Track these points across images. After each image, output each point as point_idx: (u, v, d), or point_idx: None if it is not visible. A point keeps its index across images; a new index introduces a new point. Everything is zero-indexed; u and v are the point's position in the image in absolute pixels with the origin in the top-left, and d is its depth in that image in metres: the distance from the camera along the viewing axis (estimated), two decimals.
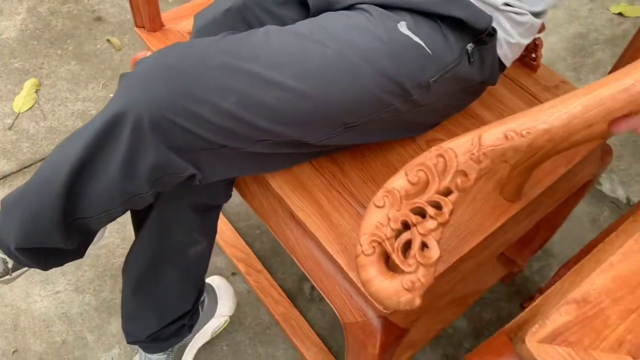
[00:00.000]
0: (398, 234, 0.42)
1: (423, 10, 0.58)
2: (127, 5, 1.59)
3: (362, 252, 0.42)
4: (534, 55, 0.84)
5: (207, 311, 0.98)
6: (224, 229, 1.17)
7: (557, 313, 0.40)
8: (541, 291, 1.12)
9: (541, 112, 0.41)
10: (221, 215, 1.14)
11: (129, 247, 1.14)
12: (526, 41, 0.67)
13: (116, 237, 1.18)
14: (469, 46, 0.61)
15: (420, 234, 0.41)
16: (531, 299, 1.13)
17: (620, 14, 1.53)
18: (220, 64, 0.51)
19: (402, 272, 0.41)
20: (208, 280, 1.01)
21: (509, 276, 1.17)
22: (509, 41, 0.64)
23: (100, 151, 0.53)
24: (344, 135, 0.61)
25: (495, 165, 0.41)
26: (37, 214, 0.61)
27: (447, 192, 0.42)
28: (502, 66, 0.69)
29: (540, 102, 0.82)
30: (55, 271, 1.12)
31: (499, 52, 0.65)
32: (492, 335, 0.47)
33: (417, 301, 0.41)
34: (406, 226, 0.42)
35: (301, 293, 1.13)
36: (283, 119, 0.54)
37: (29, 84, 1.39)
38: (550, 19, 1.63)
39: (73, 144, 0.55)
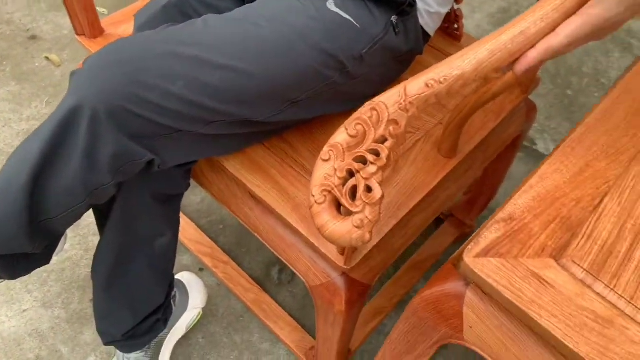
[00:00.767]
0: (344, 182, 0.47)
1: None
2: (62, 21, 1.59)
3: (315, 201, 0.46)
4: (456, 26, 0.92)
5: (180, 305, 1.00)
6: (187, 228, 1.19)
7: (488, 231, 0.46)
8: (451, 215, 1.21)
9: (454, 60, 0.47)
10: (183, 215, 1.17)
11: (92, 259, 1.15)
12: (444, 10, 0.73)
13: (79, 249, 1.18)
14: (393, 18, 0.67)
15: (363, 178, 0.46)
16: None
17: None
18: (165, 52, 0.55)
19: (352, 213, 0.46)
20: (177, 276, 1.04)
21: (460, 237, 1.24)
22: (429, 10, 0.71)
23: (60, 147, 0.55)
24: (291, 111, 0.66)
25: (420, 112, 0.47)
26: (2, 220, 0.62)
27: (382, 140, 0.47)
28: (426, 36, 0.75)
29: None
30: (20, 289, 1.12)
31: (421, 21, 0.71)
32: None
33: (367, 236, 0.46)
34: (351, 174, 0.47)
35: (269, 279, 1.17)
36: (230, 98, 0.59)
37: None
38: None
39: (30, 145, 0.57)
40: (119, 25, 0.90)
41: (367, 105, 0.47)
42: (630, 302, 0.42)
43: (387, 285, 1.10)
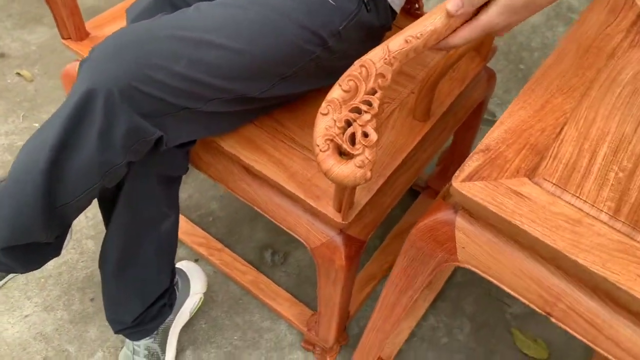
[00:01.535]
0: (343, 131, 0.54)
1: None
2: (28, 38, 1.61)
3: (320, 150, 0.53)
4: (417, 6, 1.00)
5: (182, 292, 1.05)
6: (179, 222, 1.23)
7: (470, 161, 0.54)
8: (425, 188, 1.30)
9: (427, 18, 0.54)
10: None
11: (88, 261, 1.18)
12: None
13: (74, 252, 1.21)
14: None
15: (360, 125, 0.53)
16: None
17: None
18: (166, 35, 0.61)
19: (353, 156, 0.53)
20: (177, 265, 1.08)
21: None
22: None
23: (76, 130, 0.60)
24: (281, 86, 0.72)
25: (402, 65, 0.54)
26: (20, 209, 0.66)
27: (373, 92, 0.54)
28: (393, 13, 0.83)
29: None
30: (19, 297, 1.14)
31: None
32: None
33: (369, 174, 0.53)
34: (348, 124, 0.54)
35: (263, 262, 1.23)
36: (226, 75, 0.65)
37: None
38: None
39: (47, 131, 0.62)
40: (103, 27, 0.94)
41: (357, 63, 0.54)
42: (593, 205, 0.51)
43: (375, 254, 1.17)
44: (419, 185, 1.30)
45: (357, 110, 0.54)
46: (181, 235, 1.21)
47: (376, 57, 0.54)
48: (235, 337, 1.11)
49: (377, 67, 0.54)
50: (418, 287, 0.65)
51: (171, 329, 1.03)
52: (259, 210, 0.83)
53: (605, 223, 0.49)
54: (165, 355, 1.02)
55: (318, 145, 0.53)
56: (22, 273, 0.78)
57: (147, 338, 0.98)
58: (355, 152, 0.52)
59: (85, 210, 0.76)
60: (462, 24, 0.54)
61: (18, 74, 1.54)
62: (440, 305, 1.18)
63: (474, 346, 1.13)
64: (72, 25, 0.88)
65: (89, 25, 0.93)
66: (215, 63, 0.63)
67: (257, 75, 0.68)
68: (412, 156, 0.83)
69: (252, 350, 1.10)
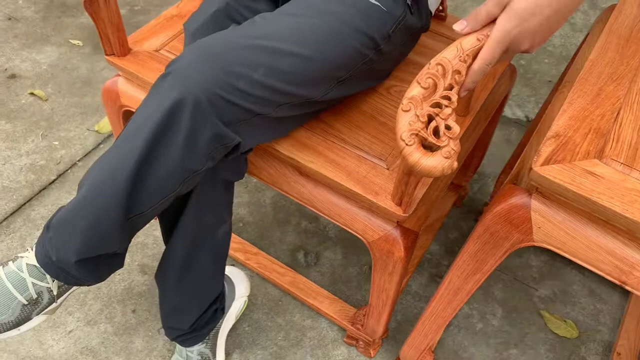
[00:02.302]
0: (426, 125, 0.58)
1: None
2: (38, 57, 1.62)
3: (406, 144, 0.57)
4: (441, 8, 1.05)
5: (228, 296, 1.07)
6: None
7: (544, 146, 0.58)
8: (487, 204, 1.34)
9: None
10: None
11: (125, 273, 1.20)
12: None
13: None
14: (408, 0, 0.79)
15: (442, 119, 0.57)
16: (481, 212, 1.35)
17: None
18: (244, 45, 0.64)
19: (439, 148, 0.57)
20: None
21: (458, 200, 1.38)
22: None
23: (164, 138, 0.63)
24: (337, 89, 0.76)
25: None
26: (99, 220, 0.68)
27: (450, 88, 0.58)
28: (429, 14, 0.88)
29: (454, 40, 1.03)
30: (60, 313, 1.14)
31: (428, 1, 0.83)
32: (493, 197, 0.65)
33: (455, 164, 0.57)
34: (430, 118, 0.58)
35: (297, 264, 1.26)
36: (297, 81, 0.68)
37: None
38: None
39: (131, 142, 0.64)
40: (142, 42, 0.96)
41: (433, 61, 0.58)
42: None
43: None
44: None
45: (438, 105, 0.58)
46: None
47: (450, 55, 0.58)
48: (279, 338, 1.14)
49: (453, 64, 0.58)
50: (487, 270, 0.69)
51: (220, 333, 1.05)
52: (314, 210, 0.86)
53: None
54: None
55: (403, 140, 0.57)
56: (89, 285, 0.79)
57: (200, 343, 1.00)
58: (442, 144, 0.56)
59: None
60: None
61: (32, 93, 1.54)
62: None
63: (508, 329, 1.18)
64: (116, 41, 0.91)
65: (129, 40, 0.96)
66: (288, 70, 0.66)
67: (320, 79, 0.72)
68: None
69: (296, 349, 1.13)
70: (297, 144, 0.83)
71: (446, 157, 0.56)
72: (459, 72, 0.58)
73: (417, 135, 0.57)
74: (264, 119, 0.70)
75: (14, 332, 0.78)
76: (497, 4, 0.57)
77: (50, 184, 1.35)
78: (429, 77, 0.58)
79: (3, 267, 0.76)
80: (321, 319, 1.17)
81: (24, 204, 1.30)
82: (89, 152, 1.42)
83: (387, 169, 0.81)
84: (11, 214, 1.28)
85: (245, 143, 0.70)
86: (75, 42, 1.70)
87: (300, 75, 0.68)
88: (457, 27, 0.59)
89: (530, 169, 0.56)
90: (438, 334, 0.87)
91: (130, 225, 0.72)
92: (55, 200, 1.32)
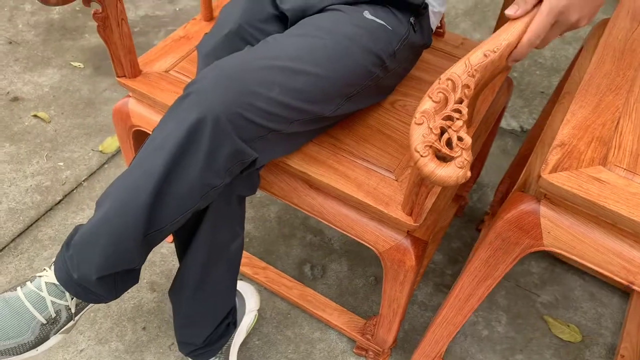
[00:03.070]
0: (439, 137, 0.60)
1: None
2: (39, 80, 1.64)
3: (421, 155, 0.60)
4: (439, 25, 1.09)
5: (239, 310, 1.08)
6: None
7: (551, 155, 0.61)
8: (487, 213, 1.37)
9: (500, 35, 0.62)
10: None
11: (134, 291, 1.21)
12: (443, 9, 0.90)
13: None
14: (411, 19, 0.83)
15: (454, 131, 0.60)
16: (482, 221, 1.38)
17: None
18: (260, 66, 0.67)
19: (452, 158, 0.59)
20: None
21: (459, 210, 1.41)
22: (434, 10, 0.87)
23: (184, 156, 0.65)
24: (346, 106, 0.79)
25: (484, 76, 0.62)
26: (120, 237, 0.70)
27: (460, 101, 0.61)
28: (430, 31, 0.91)
29: (454, 56, 1.07)
30: (71, 332, 1.15)
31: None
32: (491, 216, 0.68)
33: (468, 173, 0.59)
34: (442, 131, 0.61)
35: (304, 277, 1.27)
36: (310, 98, 0.71)
37: None
38: None
39: (152, 160, 0.66)
40: (152, 64, 0.99)
41: (443, 77, 0.62)
42: None
43: None
44: None
45: (449, 118, 0.61)
46: None
47: (459, 70, 0.62)
48: (289, 351, 1.15)
49: (462, 79, 0.61)
50: (498, 276, 0.71)
51: (232, 347, 1.06)
52: (326, 222, 0.89)
53: None
54: None
55: (418, 152, 0.60)
56: (106, 302, 0.81)
57: (213, 358, 1.01)
58: (455, 155, 0.59)
59: None
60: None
61: (35, 115, 1.56)
62: None
63: (513, 335, 1.20)
64: (128, 63, 0.93)
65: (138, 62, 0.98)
66: (302, 88, 0.69)
67: (331, 96, 0.75)
68: None
69: None
70: (308, 158, 0.86)
71: (460, 167, 0.59)
72: (468, 87, 0.61)
73: (431, 146, 0.60)
74: (278, 135, 0.72)
75: (32, 353, 0.79)
76: None
77: (56, 204, 1.36)
78: (440, 92, 0.61)
79: (21, 287, 0.78)
80: (330, 331, 1.18)
81: (31, 225, 1.31)
82: (94, 172, 1.44)
83: (396, 180, 0.84)
84: (18, 235, 1.29)
85: (260, 159, 0.72)
86: (77, 64, 1.72)
87: (313, 93, 0.71)
88: (510, 11, 0.60)
89: (539, 176, 0.59)
90: (449, 341, 0.89)
91: (148, 241, 0.74)
92: (61, 221, 1.33)
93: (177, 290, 0.89)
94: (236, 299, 1.07)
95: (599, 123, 0.65)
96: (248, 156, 0.69)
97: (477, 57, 0.62)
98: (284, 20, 0.85)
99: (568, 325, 1.22)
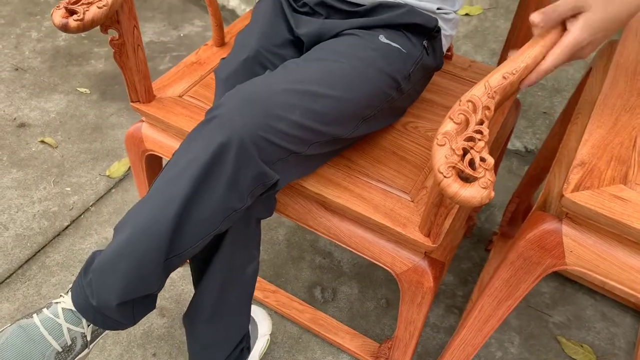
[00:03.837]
0: (462, 158, 0.61)
1: (391, 23, 0.80)
2: (46, 106, 1.65)
3: (444, 176, 0.60)
4: (448, 47, 1.11)
5: (251, 335, 1.07)
6: None
7: (572, 174, 0.62)
8: (496, 233, 1.37)
9: (518, 57, 0.63)
10: None
11: (144, 318, 1.19)
12: (454, 32, 0.92)
13: None
14: (425, 42, 0.84)
15: (477, 152, 0.60)
16: (491, 242, 1.38)
17: (466, 14, 1.92)
18: (281, 89, 0.68)
19: (475, 179, 0.60)
20: None
21: (468, 231, 1.41)
22: (445, 34, 0.89)
23: (208, 180, 0.65)
24: (362, 127, 0.80)
25: (502, 98, 0.63)
26: (142, 261, 0.70)
27: (481, 122, 0.62)
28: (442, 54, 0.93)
29: (462, 78, 1.09)
30: None
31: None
32: (512, 240, 0.68)
33: (492, 194, 0.60)
34: (464, 152, 0.61)
35: (314, 300, 1.27)
36: (329, 120, 0.72)
37: None
38: None
39: (175, 185, 0.67)
40: (165, 89, 1.00)
41: (464, 99, 0.62)
42: None
43: None
44: None
45: (471, 139, 0.61)
46: None
47: (479, 92, 0.62)
48: None
49: (482, 100, 0.62)
50: (519, 296, 0.71)
51: None
52: (341, 244, 0.89)
53: None
54: None
55: (441, 173, 0.60)
56: (123, 329, 0.80)
57: None
58: (479, 175, 0.59)
59: None
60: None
61: (42, 141, 1.56)
62: None
63: (527, 356, 1.19)
64: (142, 89, 0.94)
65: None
66: (322, 110, 0.70)
67: (349, 118, 0.75)
68: None
69: None
70: (323, 180, 0.86)
71: (484, 187, 0.59)
72: (488, 108, 0.62)
73: (454, 167, 0.60)
74: (297, 158, 0.73)
75: None
76: (572, 9, 0.58)
77: (63, 230, 1.36)
78: (461, 113, 0.62)
79: (37, 314, 0.77)
80: (343, 355, 1.17)
81: (39, 250, 1.31)
82: (101, 196, 1.44)
83: (412, 201, 0.84)
84: (26, 262, 1.28)
85: (281, 182, 0.73)
86: (83, 89, 1.73)
87: (332, 115, 0.72)
88: (535, 18, 0.61)
89: (562, 195, 0.60)
90: None
91: (167, 266, 0.73)
92: (69, 246, 1.32)
93: (192, 314, 0.89)
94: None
95: (616, 142, 0.66)
96: (270, 178, 0.69)
97: (496, 79, 0.63)
98: (299, 45, 0.86)
99: (582, 346, 1.21)
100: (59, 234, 1.35)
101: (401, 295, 0.88)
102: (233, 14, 2.15)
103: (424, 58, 0.84)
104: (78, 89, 1.74)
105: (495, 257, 1.28)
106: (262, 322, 1.10)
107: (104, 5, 0.78)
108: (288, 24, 0.87)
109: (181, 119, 0.94)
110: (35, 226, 1.36)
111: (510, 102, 1.03)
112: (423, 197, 0.84)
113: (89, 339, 0.80)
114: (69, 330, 0.76)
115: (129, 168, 1.51)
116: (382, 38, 0.79)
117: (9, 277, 1.25)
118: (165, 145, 0.98)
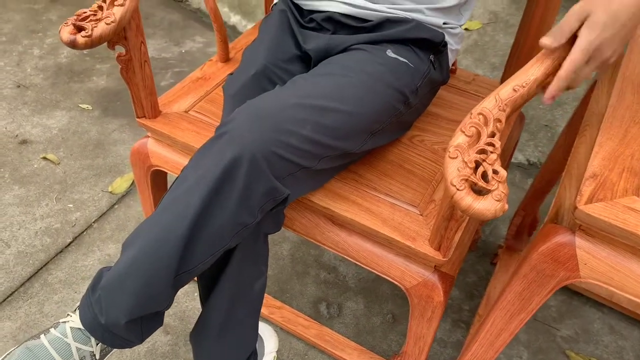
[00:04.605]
0: (474, 171, 0.61)
1: (399, 38, 0.81)
2: (48, 122, 1.65)
3: (457, 189, 0.60)
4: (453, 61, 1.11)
5: (258, 352, 1.06)
6: None
7: (584, 186, 0.62)
8: (501, 246, 1.37)
9: (527, 70, 0.64)
10: None
11: None
12: (459, 47, 0.92)
13: None
14: (431, 57, 0.85)
15: (489, 164, 0.60)
16: (496, 255, 1.38)
17: (466, 29, 1.93)
18: (291, 104, 0.68)
19: (489, 191, 0.60)
20: None
21: (472, 244, 1.40)
22: (451, 48, 0.89)
23: (219, 196, 0.65)
24: (370, 141, 0.80)
25: (512, 110, 0.63)
26: (152, 278, 0.69)
27: (493, 135, 0.62)
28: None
29: (466, 92, 1.09)
30: None
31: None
32: (525, 251, 0.67)
33: (506, 206, 0.60)
34: (476, 164, 0.61)
35: (320, 316, 1.25)
36: (339, 135, 0.72)
37: None
38: None
39: (184, 201, 0.66)
40: (171, 105, 1.00)
41: (474, 111, 0.62)
42: None
43: None
44: None
45: (483, 152, 0.61)
46: None
47: (490, 105, 0.63)
48: None
49: (493, 113, 0.62)
50: (531, 310, 0.71)
51: None
52: (349, 258, 0.88)
53: None
54: None
55: (454, 185, 0.60)
56: (131, 347, 0.79)
57: None
58: (492, 188, 0.59)
59: None
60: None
61: (44, 158, 1.56)
62: None
63: None
64: (148, 104, 0.94)
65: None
66: (332, 125, 0.70)
67: (359, 132, 0.75)
68: None
69: None
70: (331, 194, 0.86)
71: (497, 200, 0.59)
72: (499, 120, 0.62)
73: (467, 180, 0.60)
74: (306, 172, 0.73)
75: None
76: (578, 19, 0.60)
77: (66, 246, 1.34)
78: (472, 126, 0.62)
79: (45, 334, 0.76)
80: None
81: (41, 268, 1.29)
82: (104, 213, 1.43)
83: (420, 214, 0.84)
84: (28, 279, 1.27)
85: (291, 196, 0.72)
86: (85, 106, 1.73)
87: (342, 130, 0.72)
88: (546, 41, 0.61)
89: (575, 208, 0.60)
90: None
91: (176, 283, 0.73)
92: (72, 263, 1.31)
93: (199, 332, 0.87)
94: None
95: (627, 154, 0.66)
96: (281, 193, 0.69)
97: (506, 92, 0.63)
98: (306, 60, 0.87)
99: (590, 359, 1.20)
100: (61, 251, 1.33)
101: (411, 310, 0.87)
102: (234, 30, 2.16)
103: (431, 72, 0.84)
104: (80, 105, 1.74)
105: (502, 270, 1.28)
106: (268, 340, 1.09)
107: (112, 22, 0.78)
108: (295, 40, 0.88)
109: (187, 134, 0.93)
110: (37, 243, 1.35)
111: (515, 115, 1.03)
112: (432, 211, 0.84)
113: (97, 357, 0.79)
114: (77, 349, 0.75)
115: (132, 184, 1.50)
116: (390, 53, 0.79)
117: (10, 294, 1.24)
118: (171, 160, 0.98)
